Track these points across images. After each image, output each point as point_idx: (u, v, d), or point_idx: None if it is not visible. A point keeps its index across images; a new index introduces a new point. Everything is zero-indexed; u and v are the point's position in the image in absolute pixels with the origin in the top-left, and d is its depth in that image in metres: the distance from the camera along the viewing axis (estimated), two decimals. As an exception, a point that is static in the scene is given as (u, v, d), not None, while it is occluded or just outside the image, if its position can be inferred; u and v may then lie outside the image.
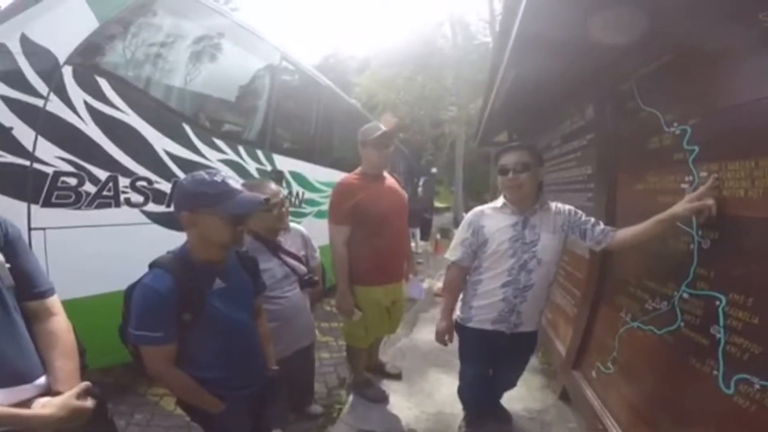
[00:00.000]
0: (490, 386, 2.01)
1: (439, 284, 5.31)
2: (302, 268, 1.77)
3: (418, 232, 9.17)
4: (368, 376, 2.49)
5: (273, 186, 1.67)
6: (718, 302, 1.23)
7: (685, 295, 1.39)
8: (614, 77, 1.93)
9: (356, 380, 2.39)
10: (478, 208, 1.75)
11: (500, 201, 1.69)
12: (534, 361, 2.94)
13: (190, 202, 1.08)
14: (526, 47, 1.76)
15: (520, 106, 3.46)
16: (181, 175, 2.28)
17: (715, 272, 1.27)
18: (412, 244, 8.96)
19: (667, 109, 1.53)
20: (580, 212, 1.66)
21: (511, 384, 2.07)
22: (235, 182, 1.14)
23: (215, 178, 1.09)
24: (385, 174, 2.17)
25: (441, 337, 1.81)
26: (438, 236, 9.47)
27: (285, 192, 3.50)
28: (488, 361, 1.86)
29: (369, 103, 13.54)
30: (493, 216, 1.68)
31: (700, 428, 1.30)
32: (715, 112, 1.28)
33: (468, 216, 1.76)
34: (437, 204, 15.29)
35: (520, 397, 2.39)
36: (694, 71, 1.39)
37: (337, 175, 3.77)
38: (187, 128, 2.41)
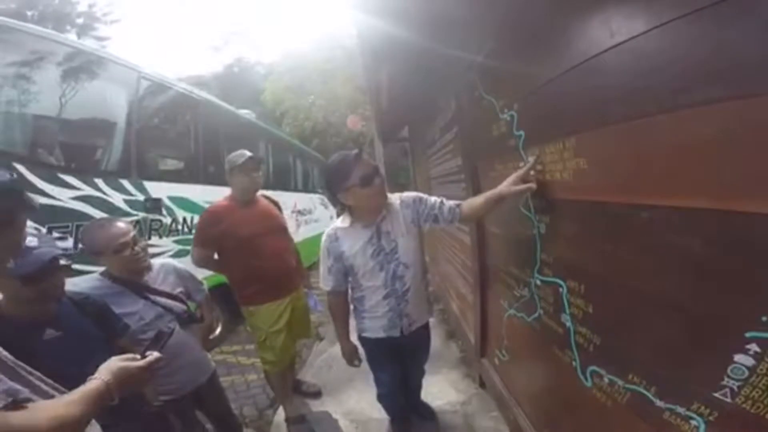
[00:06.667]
0: (405, 385, 2.02)
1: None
2: (178, 306, 1.66)
3: None
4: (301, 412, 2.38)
5: (120, 224, 1.55)
6: (561, 289, 1.20)
7: (538, 282, 1.36)
8: (463, 68, 1.89)
9: (287, 414, 2.29)
10: (328, 232, 1.63)
11: (346, 220, 1.58)
12: (455, 350, 2.99)
13: None
14: (394, 48, 1.74)
15: (406, 101, 3.43)
16: None
17: (554, 257, 1.24)
18: None
19: (500, 95, 1.50)
20: (425, 197, 1.59)
21: (420, 375, 2.11)
22: (31, 238, 1.04)
23: None
24: (258, 197, 2.21)
25: (349, 360, 1.85)
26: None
27: (167, 221, 3.19)
28: (393, 361, 1.86)
29: (276, 109, 12.92)
30: (347, 237, 1.58)
31: (579, 423, 1.22)
32: (530, 95, 1.24)
33: (323, 243, 1.64)
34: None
35: (442, 392, 2.42)
36: (511, 55, 1.36)
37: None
38: (22, 168, 2.09)
